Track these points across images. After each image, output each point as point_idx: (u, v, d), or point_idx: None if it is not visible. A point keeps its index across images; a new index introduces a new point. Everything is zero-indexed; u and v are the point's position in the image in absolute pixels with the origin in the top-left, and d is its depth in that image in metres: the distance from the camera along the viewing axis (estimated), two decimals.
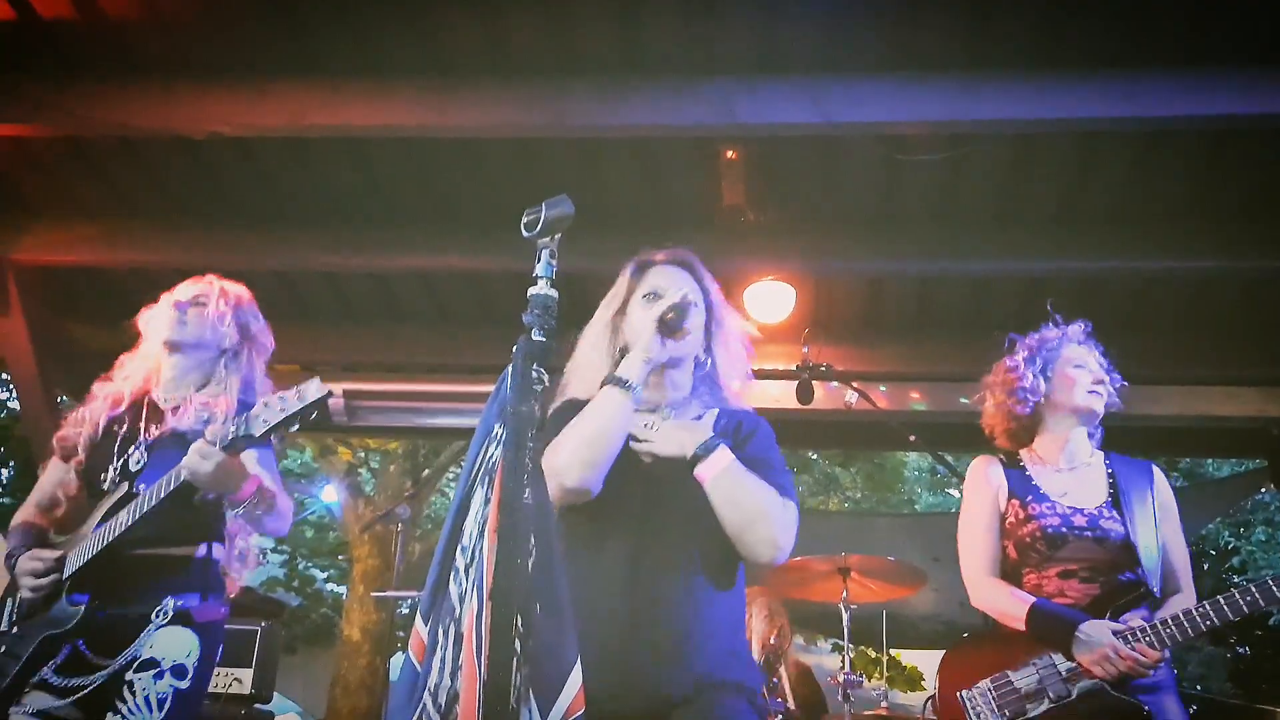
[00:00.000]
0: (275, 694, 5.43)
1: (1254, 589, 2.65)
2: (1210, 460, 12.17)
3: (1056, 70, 4.38)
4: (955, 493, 15.67)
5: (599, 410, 2.10)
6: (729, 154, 5.07)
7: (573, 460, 2.05)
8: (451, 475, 12.86)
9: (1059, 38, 4.33)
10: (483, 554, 1.53)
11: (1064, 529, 2.90)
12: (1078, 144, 5.04)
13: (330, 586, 16.05)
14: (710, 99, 4.54)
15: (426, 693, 1.54)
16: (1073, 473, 3.03)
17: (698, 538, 2.13)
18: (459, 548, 1.62)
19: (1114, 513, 2.92)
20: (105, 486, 2.82)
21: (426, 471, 12.15)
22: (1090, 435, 3.10)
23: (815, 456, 15.15)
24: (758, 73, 4.54)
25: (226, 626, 2.92)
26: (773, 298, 5.84)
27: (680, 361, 2.30)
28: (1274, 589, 2.63)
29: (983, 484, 3.09)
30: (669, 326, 2.19)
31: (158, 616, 2.70)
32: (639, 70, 4.58)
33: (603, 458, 2.07)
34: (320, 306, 6.69)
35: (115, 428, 2.91)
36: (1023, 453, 3.14)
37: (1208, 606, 2.69)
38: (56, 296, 6.32)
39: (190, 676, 2.69)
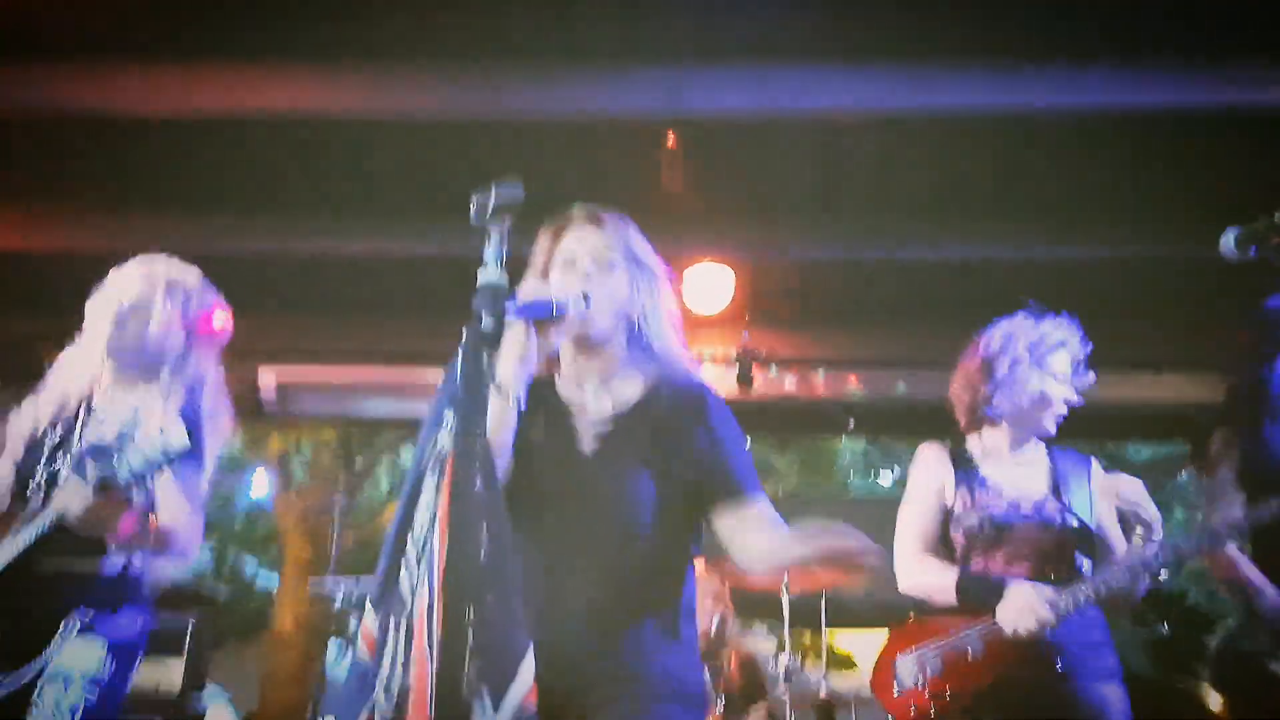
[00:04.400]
0: (210, 684, 5.35)
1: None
2: (1130, 445, 12.48)
3: (996, 58, 4.45)
4: (889, 476, 15.92)
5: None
6: (668, 140, 5.05)
7: None
8: (385, 464, 12.73)
9: (1001, 26, 4.38)
10: (434, 545, 1.50)
11: (1010, 517, 2.95)
12: (1014, 131, 5.11)
13: (262, 578, 15.77)
14: (647, 85, 4.52)
15: (379, 686, 1.51)
16: (1017, 465, 3.08)
17: (636, 532, 2.03)
18: (410, 537, 1.58)
19: (1057, 500, 2.98)
20: (29, 495, 2.66)
21: (359, 459, 11.98)
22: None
23: (749, 443, 15.19)
24: (696, 59, 4.53)
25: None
26: (712, 282, 5.85)
27: (601, 334, 2.12)
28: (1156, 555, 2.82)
29: (930, 470, 3.12)
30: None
31: (65, 629, 2.56)
32: (576, 55, 4.55)
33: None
34: (249, 293, 6.47)
35: (50, 432, 2.75)
36: (970, 438, 3.16)
37: (1104, 573, 2.85)
38: None
39: (103, 692, 2.55)
